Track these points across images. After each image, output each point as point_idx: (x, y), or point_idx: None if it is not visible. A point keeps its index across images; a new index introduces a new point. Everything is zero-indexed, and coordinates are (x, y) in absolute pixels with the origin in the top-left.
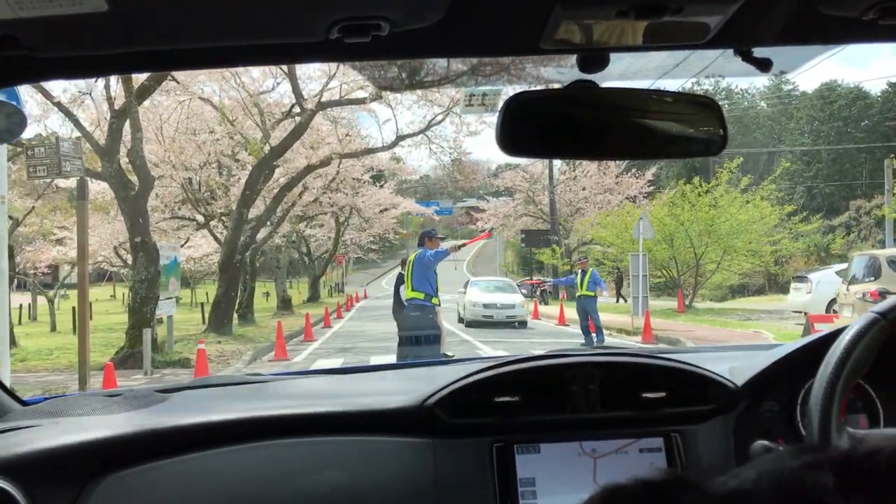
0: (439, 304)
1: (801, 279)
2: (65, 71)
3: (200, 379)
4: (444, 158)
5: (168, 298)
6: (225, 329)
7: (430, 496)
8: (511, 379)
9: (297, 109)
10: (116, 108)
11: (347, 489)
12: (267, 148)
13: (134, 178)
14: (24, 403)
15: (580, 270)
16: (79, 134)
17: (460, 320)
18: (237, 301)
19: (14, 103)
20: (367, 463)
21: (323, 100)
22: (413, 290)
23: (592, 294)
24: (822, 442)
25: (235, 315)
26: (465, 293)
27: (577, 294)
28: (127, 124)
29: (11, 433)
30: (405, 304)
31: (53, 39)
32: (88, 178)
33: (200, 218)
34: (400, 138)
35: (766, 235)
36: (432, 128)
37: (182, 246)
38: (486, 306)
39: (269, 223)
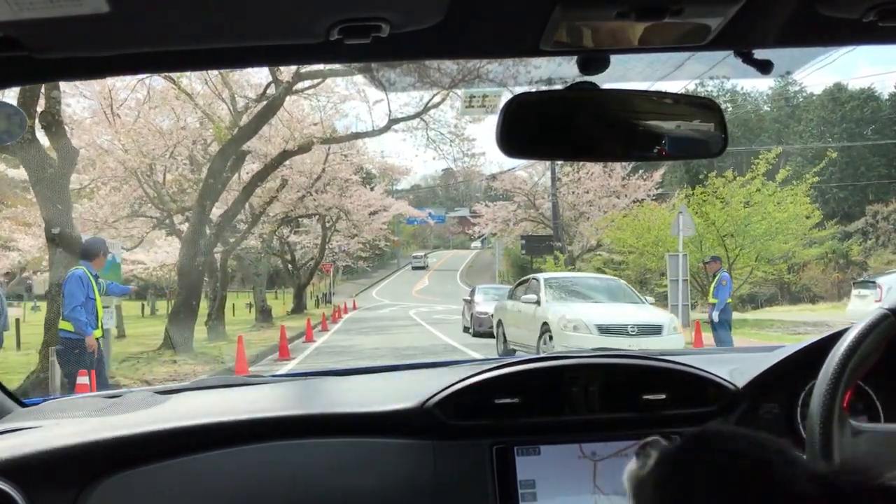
0: (102, 336)
1: (867, 285)
2: (65, 72)
3: (200, 380)
4: (443, 148)
5: (103, 307)
6: (184, 345)
7: (430, 498)
8: (511, 380)
9: (272, 90)
10: None
11: (347, 491)
12: (235, 130)
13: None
14: (23, 404)
15: (711, 274)
16: None
17: None
18: (206, 312)
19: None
20: (367, 464)
21: (302, 71)
22: (64, 318)
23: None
24: (824, 433)
25: (206, 327)
26: (537, 305)
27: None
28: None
29: (11, 434)
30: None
31: (54, 41)
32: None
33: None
34: (393, 122)
35: (803, 237)
36: (429, 111)
37: (137, 247)
38: (604, 331)
39: (244, 222)
